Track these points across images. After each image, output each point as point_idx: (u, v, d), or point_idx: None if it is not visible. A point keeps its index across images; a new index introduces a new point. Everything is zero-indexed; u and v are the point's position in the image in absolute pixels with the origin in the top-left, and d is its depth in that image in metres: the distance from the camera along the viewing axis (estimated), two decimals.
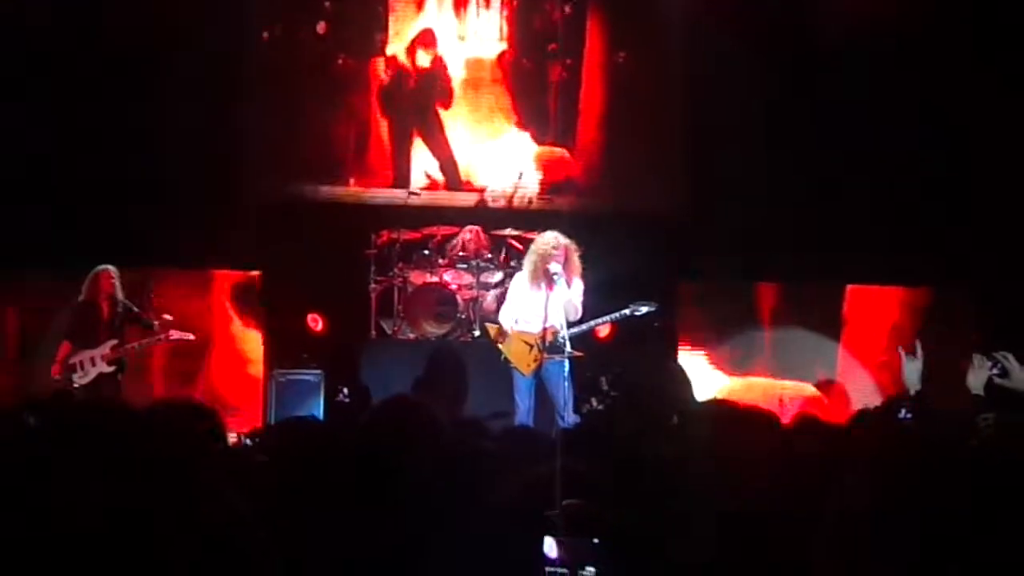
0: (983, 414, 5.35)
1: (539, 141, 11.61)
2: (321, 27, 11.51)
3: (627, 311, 8.95)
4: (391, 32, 11.59)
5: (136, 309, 9.37)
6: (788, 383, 10.96)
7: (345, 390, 9.64)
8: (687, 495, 3.59)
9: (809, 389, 10.90)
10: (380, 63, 11.55)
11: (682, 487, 3.75)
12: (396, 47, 11.58)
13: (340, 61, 11.54)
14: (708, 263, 10.97)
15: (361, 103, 11.55)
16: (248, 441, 8.68)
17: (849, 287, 11.35)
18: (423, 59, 11.57)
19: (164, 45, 10.63)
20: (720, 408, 4.40)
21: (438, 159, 11.55)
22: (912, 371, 5.44)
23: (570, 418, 8.47)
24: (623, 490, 3.60)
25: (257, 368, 10.94)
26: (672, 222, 11.28)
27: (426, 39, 11.57)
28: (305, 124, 11.46)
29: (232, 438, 8.65)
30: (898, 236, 10.77)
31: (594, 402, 9.39)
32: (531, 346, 8.67)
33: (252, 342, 11.12)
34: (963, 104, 10.97)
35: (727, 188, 10.99)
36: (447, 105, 11.56)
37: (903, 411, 4.85)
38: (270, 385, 10.26)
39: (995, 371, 5.41)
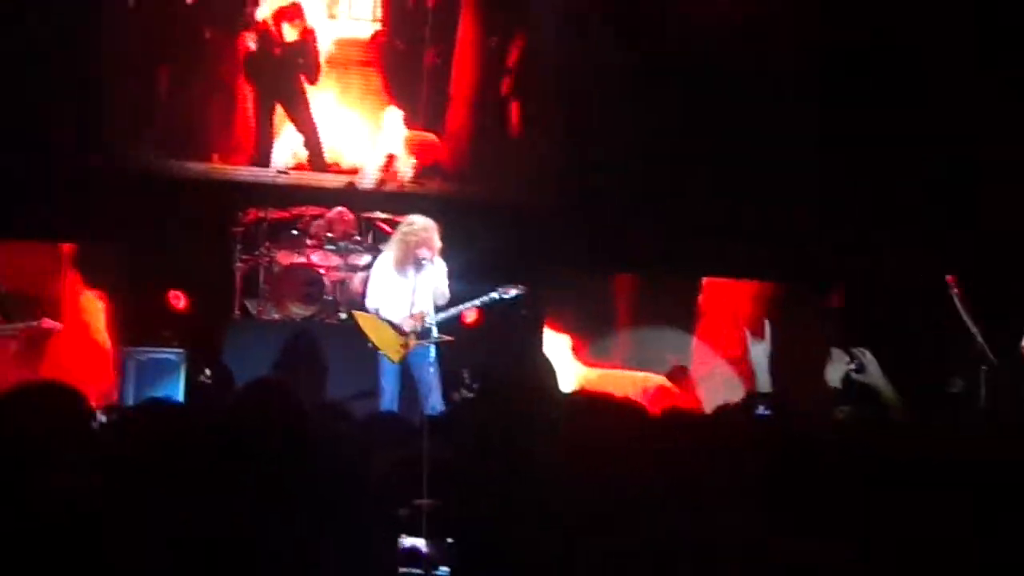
0: (840, 406, 5.48)
1: (409, 125, 11.54)
2: None
3: (495, 295, 8.94)
4: (261, 4, 11.40)
5: (4, 291, 9.22)
6: (639, 374, 11.01)
7: (207, 371, 9.46)
8: (553, 489, 3.58)
9: (657, 379, 10.96)
10: (249, 34, 11.36)
11: (548, 481, 3.75)
12: (264, 14, 11.39)
13: (208, 34, 11.32)
14: (575, 252, 11.03)
15: (228, 77, 11.35)
16: (103, 418, 8.51)
17: (705, 280, 11.46)
18: (289, 32, 11.40)
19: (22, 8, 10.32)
20: (588, 400, 4.41)
21: (303, 135, 11.43)
22: (759, 353, 5.58)
23: (437, 405, 8.44)
24: (485, 483, 3.58)
25: (104, 339, 10.64)
26: (541, 209, 11.32)
27: (292, 13, 11.40)
28: (170, 97, 11.23)
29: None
30: (762, 230, 10.97)
31: (462, 391, 9.37)
32: (399, 332, 8.61)
33: (99, 314, 10.81)
34: (828, 95, 11.26)
35: (595, 177, 11.10)
36: (313, 80, 11.43)
37: (761, 407, 4.94)
38: (127, 363, 10.00)
39: (852, 366, 5.55)
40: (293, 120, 11.41)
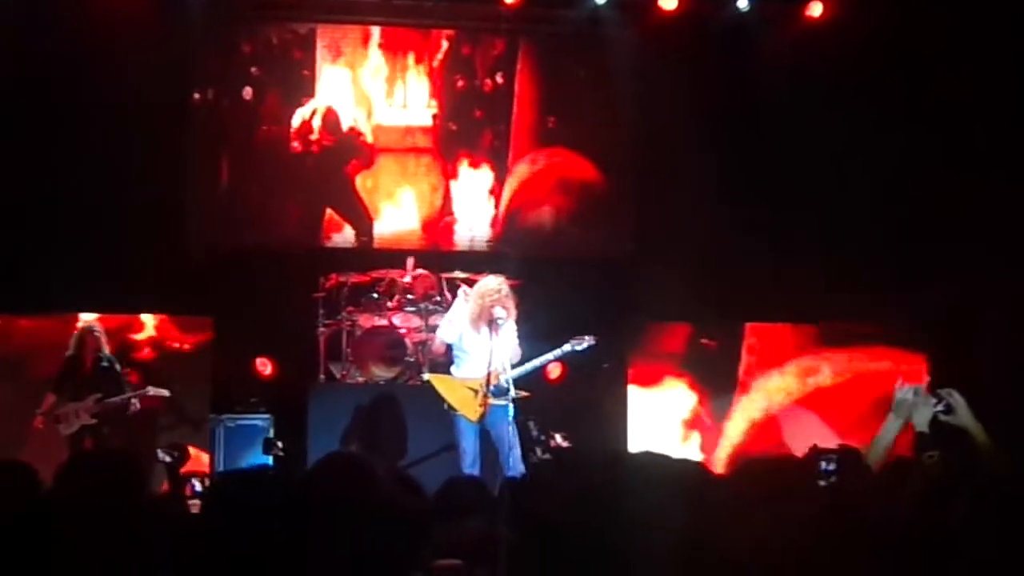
0: (928, 452, 5.32)
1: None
2: (247, 93, 11.63)
3: (568, 347, 8.92)
4: (304, 105, 11.82)
5: (119, 366, 9.73)
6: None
7: (280, 444, 9.57)
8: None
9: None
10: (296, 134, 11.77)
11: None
12: (304, 117, 11.78)
13: (264, 127, 11.70)
14: (651, 303, 11.00)
15: (283, 170, 11.75)
16: (198, 485, 8.71)
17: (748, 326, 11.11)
18: (329, 134, 11.79)
19: (107, 97, 10.69)
20: (650, 459, 4.35)
21: (354, 229, 11.81)
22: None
23: (518, 465, 8.43)
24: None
25: None
26: (618, 265, 11.41)
27: (328, 115, 11.79)
28: (232, 187, 11.66)
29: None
30: (840, 277, 10.85)
31: (539, 451, 9.35)
32: (476, 391, 8.63)
33: None
34: (904, 149, 11.20)
35: (671, 234, 11.15)
36: (367, 166, 11.81)
37: (824, 463, 4.82)
38: (217, 430, 10.20)
39: (940, 408, 5.35)
40: (341, 215, 11.77)
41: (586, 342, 8.92)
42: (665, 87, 11.33)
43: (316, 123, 11.79)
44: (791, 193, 11.25)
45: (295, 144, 11.72)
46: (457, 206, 11.97)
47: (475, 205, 11.99)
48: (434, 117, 11.98)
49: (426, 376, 9.47)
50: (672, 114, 11.17)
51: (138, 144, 10.66)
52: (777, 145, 11.23)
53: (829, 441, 9.38)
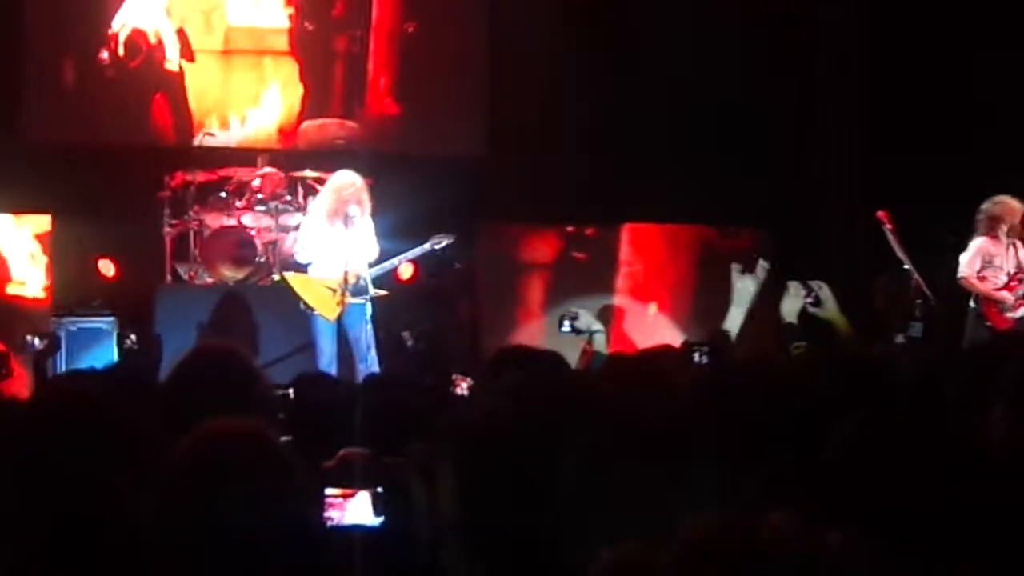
0: (795, 342, 5.40)
1: (323, 112, 11.60)
2: None
3: (427, 246, 8.95)
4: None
5: None
6: None
7: (133, 337, 9.34)
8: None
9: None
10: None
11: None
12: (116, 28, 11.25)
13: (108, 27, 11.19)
14: (507, 204, 10.97)
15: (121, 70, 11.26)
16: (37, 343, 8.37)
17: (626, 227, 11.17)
18: (137, 50, 11.27)
19: None
20: (512, 352, 4.33)
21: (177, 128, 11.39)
22: (746, 286, 5.26)
23: (374, 365, 8.38)
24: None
25: None
26: (471, 166, 11.27)
27: (136, 35, 11.26)
28: (79, 85, 11.17)
29: None
30: (696, 179, 10.95)
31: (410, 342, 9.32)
32: (333, 290, 8.53)
33: None
34: (763, 54, 11.32)
35: (527, 136, 11.07)
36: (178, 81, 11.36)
37: (698, 355, 4.87)
38: (58, 333, 9.87)
39: (809, 300, 5.39)
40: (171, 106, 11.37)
41: (444, 240, 8.91)
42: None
43: (130, 32, 11.25)
44: (650, 93, 11.24)
45: (106, 54, 11.19)
46: (316, 109, 11.62)
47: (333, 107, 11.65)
48: (290, 18, 11.57)
49: (283, 275, 9.29)
50: (530, 15, 11.07)
51: None
52: (638, 45, 11.20)
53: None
